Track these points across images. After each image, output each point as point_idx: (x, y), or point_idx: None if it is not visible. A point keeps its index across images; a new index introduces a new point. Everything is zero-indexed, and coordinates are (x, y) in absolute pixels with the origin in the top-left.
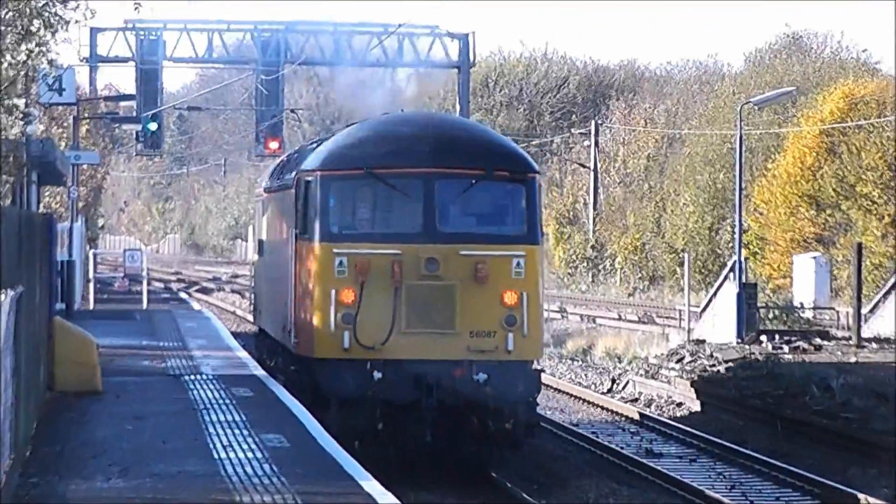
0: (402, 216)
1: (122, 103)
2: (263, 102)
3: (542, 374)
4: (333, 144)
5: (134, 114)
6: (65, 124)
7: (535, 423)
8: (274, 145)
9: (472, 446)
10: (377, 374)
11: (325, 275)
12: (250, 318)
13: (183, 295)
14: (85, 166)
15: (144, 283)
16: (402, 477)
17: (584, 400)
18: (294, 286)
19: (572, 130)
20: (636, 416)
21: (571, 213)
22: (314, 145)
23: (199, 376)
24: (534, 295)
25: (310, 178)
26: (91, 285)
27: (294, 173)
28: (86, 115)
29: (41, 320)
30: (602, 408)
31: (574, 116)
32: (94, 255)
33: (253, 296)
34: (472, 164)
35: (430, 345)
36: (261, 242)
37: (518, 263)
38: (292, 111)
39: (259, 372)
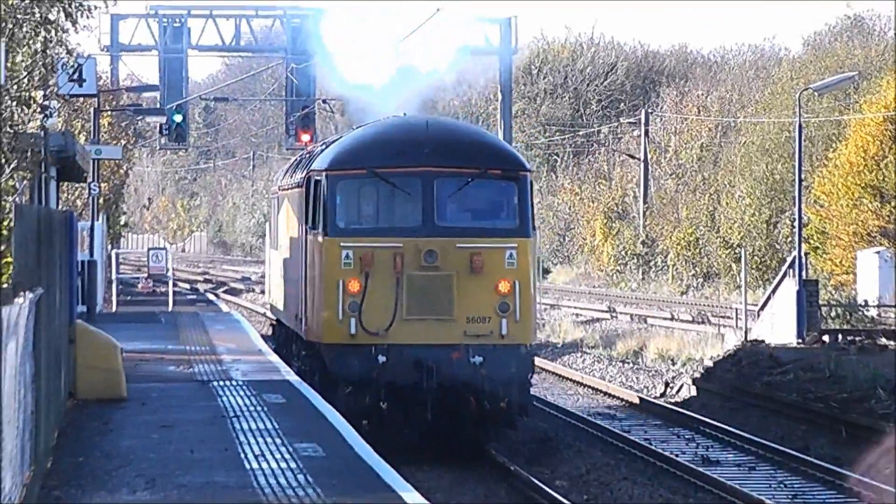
0: (403, 212)
1: (145, 94)
2: (294, 92)
3: (590, 377)
4: (340, 146)
5: (158, 105)
6: (85, 117)
7: (528, 403)
8: (306, 137)
9: (469, 425)
10: (381, 358)
11: (332, 267)
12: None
13: (210, 296)
14: (106, 161)
15: (170, 283)
16: (407, 454)
17: (635, 405)
18: (304, 277)
19: (621, 120)
20: (691, 422)
21: (620, 206)
22: (323, 147)
23: (228, 382)
24: (525, 283)
25: (318, 178)
26: (113, 287)
27: (304, 173)
28: (107, 107)
29: (62, 324)
30: (654, 413)
31: (622, 105)
32: (117, 255)
33: (269, 287)
34: (468, 164)
35: (430, 330)
36: (275, 237)
37: (510, 255)
38: (324, 101)
39: (292, 377)
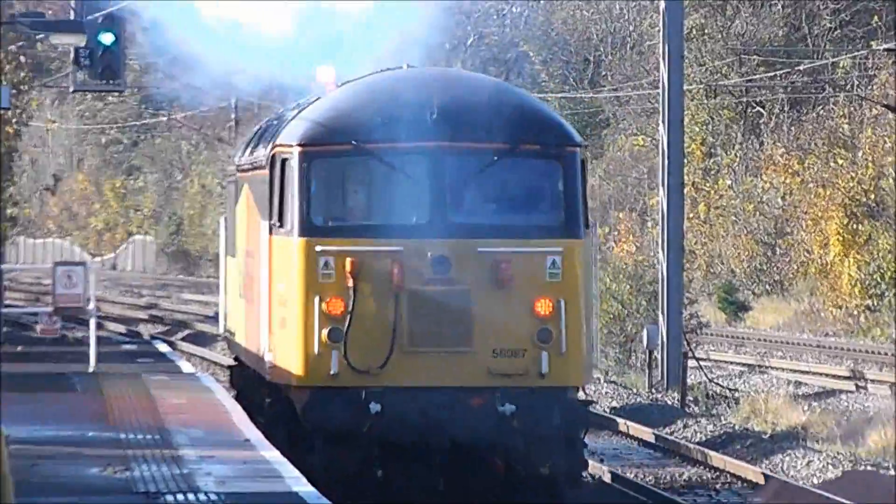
0: (403, 203)
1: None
2: None
3: (820, 493)
4: (316, 112)
5: (71, 17)
6: None
7: (582, 468)
8: (326, 75)
9: (497, 497)
10: (374, 407)
11: (306, 279)
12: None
13: (162, 346)
14: None
15: (92, 323)
16: None
17: None
18: (268, 295)
19: (872, 44)
20: None
21: (872, 196)
22: (294, 111)
23: (192, 496)
24: (574, 302)
25: (287, 155)
26: None
27: (268, 148)
28: None
29: None
30: None
31: (875, 20)
32: (0, 273)
33: (223, 311)
34: (493, 136)
35: (441, 368)
36: (232, 239)
37: (553, 262)
38: None
39: (303, 487)
